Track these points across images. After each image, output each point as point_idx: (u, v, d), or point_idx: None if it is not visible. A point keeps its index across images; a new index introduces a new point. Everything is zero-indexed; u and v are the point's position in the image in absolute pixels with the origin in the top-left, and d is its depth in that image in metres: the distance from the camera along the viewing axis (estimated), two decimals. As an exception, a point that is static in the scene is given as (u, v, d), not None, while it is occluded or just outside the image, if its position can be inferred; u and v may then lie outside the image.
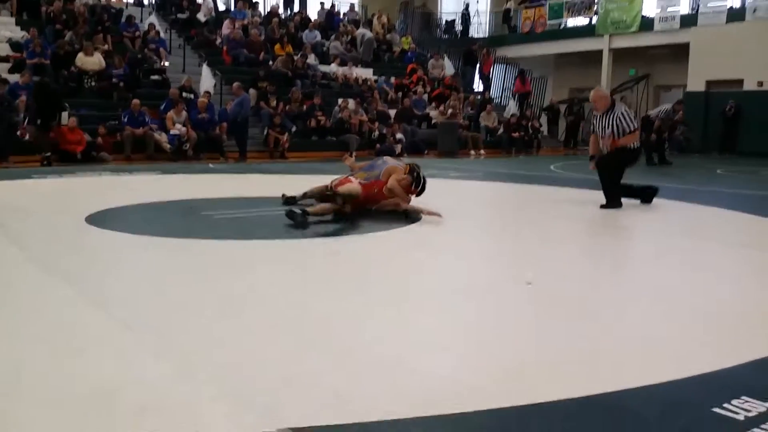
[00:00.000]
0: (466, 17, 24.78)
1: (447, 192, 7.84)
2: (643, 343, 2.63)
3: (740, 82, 17.42)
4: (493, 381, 2.21)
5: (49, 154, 10.85)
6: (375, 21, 21.81)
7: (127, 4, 19.16)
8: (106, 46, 14.55)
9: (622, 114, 6.58)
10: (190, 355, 2.39)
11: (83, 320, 2.79)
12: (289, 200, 6.07)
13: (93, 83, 13.47)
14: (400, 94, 18.00)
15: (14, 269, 3.72)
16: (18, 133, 11.20)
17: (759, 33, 16.69)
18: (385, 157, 6.78)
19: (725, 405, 2.01)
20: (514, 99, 20.17)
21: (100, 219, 5.35)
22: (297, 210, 5.25)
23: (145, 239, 4.68)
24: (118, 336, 2.60)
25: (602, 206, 6.50)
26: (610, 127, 6.53)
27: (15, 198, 6.99)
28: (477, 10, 25.16)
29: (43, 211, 6.02)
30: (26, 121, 11.37)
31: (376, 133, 15.39)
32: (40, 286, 3.35)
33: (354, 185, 5.67)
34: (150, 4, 19.76)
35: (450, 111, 17.04)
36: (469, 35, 24.59)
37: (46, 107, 11.10)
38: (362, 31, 20.45)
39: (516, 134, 17.46)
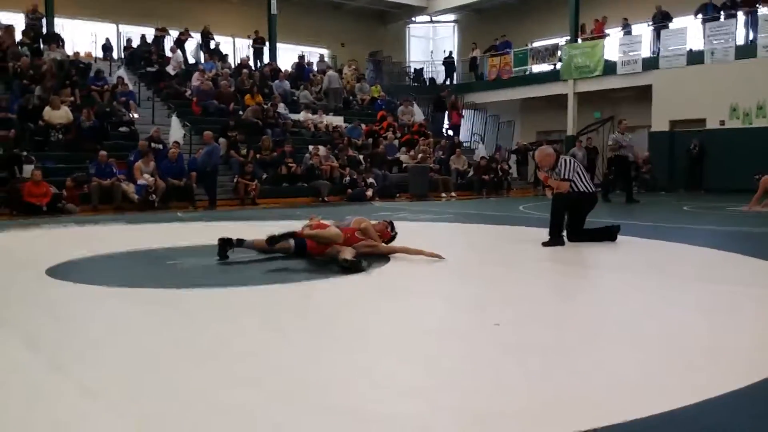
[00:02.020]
0: (449, 66, 25.03)
1: (418, 234, 7.82)
2: (610, 382, 2.58)
3: (703, 121, 17.89)
4: (460, 426, 2.14)
5: None
6: (345, 70, 22.12)
7: (96, 58, 19.22)
8: (72, 99, 14.51)
9: (563, 162, 6.80)
10: (151, 414, 2.27)
11: (39, 380, 2.63)
12: (226, 242, 5.67)
13: (60, 136, 13.38)
14: (370, 140, 18.17)
15: (-35, 325, 3.57)
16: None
17: (718, 74, 17.25)
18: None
19: (692, 440, 1.97)
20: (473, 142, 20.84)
21: (61, 271, 5.21)
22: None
23: (107, 290, 4.55)
24: (76, 397, 2.45)
25: (544, 243, 6.54)
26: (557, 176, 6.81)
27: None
28: (444, 59, 25.67)
29: (1, 265, 5.86)
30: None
31: (348, 178, 15.44)
32: (-10, 342, 3.21)
33: (333, 229, 5.63)
34: (119, 58, 19.85)
35: (420, 155, 17.20)
36: (445, 81, 24.95)
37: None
38: (332, 75, 20.66)
39: (486, 176, 17.64)
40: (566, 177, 6.70)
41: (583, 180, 6.80)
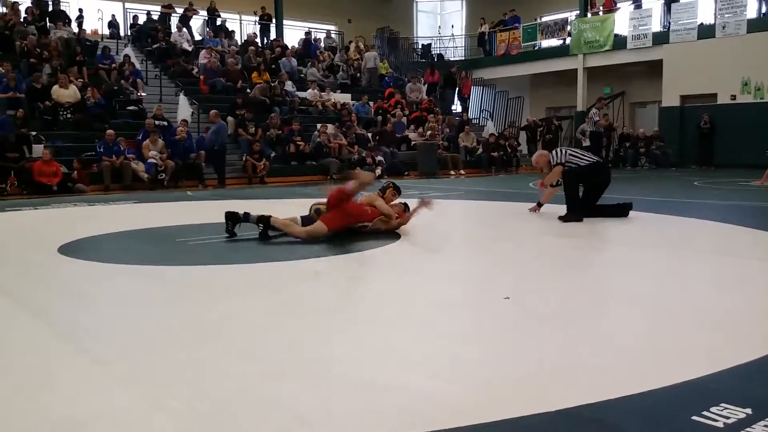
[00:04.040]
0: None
1: (427, 211, 7.80)
2: (621, 353, 2.59)
3: (714, 96, 17.69)
4: (470, 396, 2.15)
5: None
6: (352, 47, 21.95)
7: (102, 36, 19.14)
8: (80, 80, 14.46)
9: (554, 154, 6.96)
10: (162, 385, 2.29)
11: (51, 353, 2.68)
12: (233, 217, 5.66)
13: (69, 115, 13.38)
14: (379, 117, 18.08)
15: (-21, 302, 3.61)
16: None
17: (729, 48, 17.02)
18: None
19: (704, 413, 1.97)
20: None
21: (73, 249, 5.25)
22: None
23: (118, 267, 4.59)
24: (88, 368, 2.48)
25: (560, 218, 6.59)
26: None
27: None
28: (453, 34, 25.40)
29: (14, 243, 5.91)
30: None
31: (356, 156, 15.40)
32: (6, 319, 3.24)
33: (320, 225, 5.53)
34: (126, 36, 19.76)
35: (429, 132, 17.11)
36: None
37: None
38: (369, 55, 20.63)
39: (495, 153, 17.55)
40: (557, 162, 6.84)
41: (581, 156, 6.95)
